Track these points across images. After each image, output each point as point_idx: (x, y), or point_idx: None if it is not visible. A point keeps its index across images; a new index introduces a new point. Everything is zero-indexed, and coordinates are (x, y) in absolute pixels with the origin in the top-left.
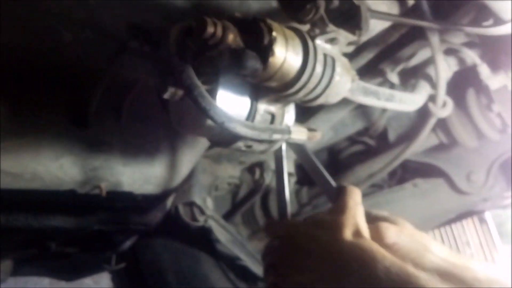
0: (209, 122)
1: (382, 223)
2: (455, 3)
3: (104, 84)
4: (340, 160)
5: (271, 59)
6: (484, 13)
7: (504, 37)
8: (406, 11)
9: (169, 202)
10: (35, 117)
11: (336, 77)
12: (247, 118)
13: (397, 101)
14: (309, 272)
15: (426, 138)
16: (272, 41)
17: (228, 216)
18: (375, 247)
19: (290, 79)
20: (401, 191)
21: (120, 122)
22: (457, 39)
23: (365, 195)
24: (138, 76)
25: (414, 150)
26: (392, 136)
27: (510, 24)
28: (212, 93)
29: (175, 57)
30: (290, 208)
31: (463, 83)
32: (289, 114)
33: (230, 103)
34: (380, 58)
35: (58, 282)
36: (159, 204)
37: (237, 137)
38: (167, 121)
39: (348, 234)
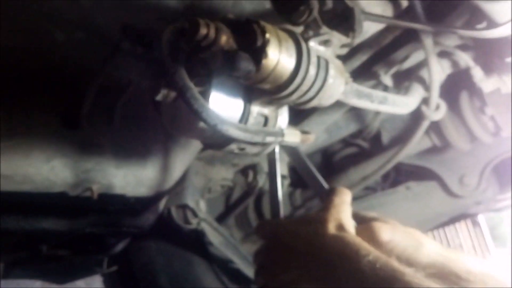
0: (201, 124)
1: (375, 222)
2: (448, 5)
3: (97, 86)
4: (333, 162)
5: (264, 61)
6: (477, 16)
7: (498, 40)
8: (400, 13)
9: (162, 204)
10: (27, 118)
11: (330, 80)
12: (240, 121)
13: (391, 104)
14: (295, 270)
15: (419, 141)
16: (265, 43)
17: (221, 218)
18: (358, 240)
19: (283, 81)
20: (394, 194)
21: (113, 124)
22: (450, 41)
23: (358, 198)
24: (131, 78)
25: (407, 152)
26: (385, 138)
27: (503, 27)
28: (205, 95)
29: (167, 58)
30: (283, 211)
31: (457, 86)
32: (283, 116)
33: (223, 105)
34: (374, 60)
35: (50, 285)
36: (151, 207)
37: (230, 140)
38: (160, 123)
39: (330, 228)
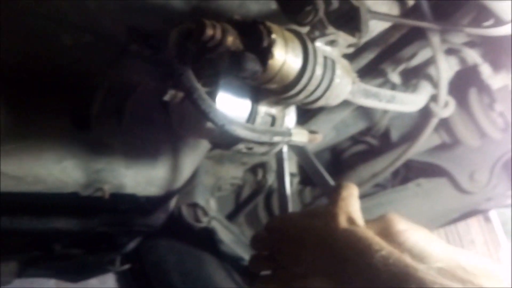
0: (209, 124)
1: (389, 213)
2: (455, 3)
3: (106, 87)
4: (342, 160)
5: (270, 62)
6: (484, 14)
7: (505, 37)
8: (406, 12)
9: (172, 203)
10: (37, 120)
11: (336, 80)
12: (248, 121)
13: (399, 102)
14: (306, 263)
15: (428, 138)
16: (271, 44)
17: (231, 216)
18: (370, 235)
19: (290, 82)
20: (404, 191)
21: (122, 124)
22: (458, 38)
23: (368, 195)
24: (139, 79)
25: (417, 150)
26: (394, 136)
27: (510, 24)
28: (212, 95)
29: (174, 60)
30: (292, 209)
31: (465, 82)
32: (290, 116)
33: (230, 105)
34: (381, 58)
35: (64, 283)
36: (162, 206)
37: (237, 139)
38: (169, 123)
39: (341, 221)
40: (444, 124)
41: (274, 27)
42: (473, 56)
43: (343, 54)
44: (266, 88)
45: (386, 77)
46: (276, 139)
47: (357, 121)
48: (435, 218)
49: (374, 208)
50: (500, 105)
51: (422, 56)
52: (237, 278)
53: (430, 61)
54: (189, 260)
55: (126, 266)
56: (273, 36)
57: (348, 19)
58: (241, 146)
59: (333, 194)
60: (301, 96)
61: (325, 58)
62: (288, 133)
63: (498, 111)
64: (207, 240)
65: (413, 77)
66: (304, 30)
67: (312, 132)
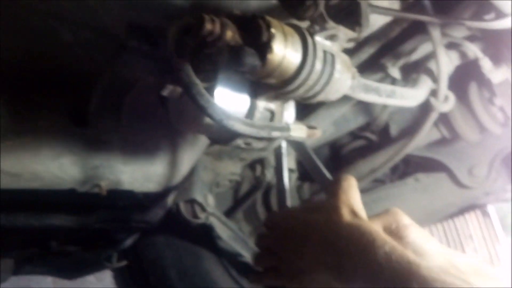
0: (207, 119)
1: (392, 208)
2: None
3: (104, 83)
4: (342, 155)
5: (269, 56)
6: (485, 7)
7: (506, 31)
8: (407, 6)
9: (170, 199)
10: (35, 116)
11: (336, 74)
12: (246, 116)
13: (399, 97)
14: (309, 258)
15: (428, 133)
16: (270, 38)
17: (229, 212)
18: (373, 229)
19: (289, 76)
20: (403, 186)
21: (120, 120)
22: (458, 32)
23: (367, 190)
24: (137, 75)
25: (416, 144)
26: (394, 130)
27: (510, 18)
28: (211, 90)
29: (173, 55)
30: (291, 204)
31: (465, 77)
32: (289, 111)
33: (229, 100)
34: (382, 52)
35: (61, 281)
36: (160, 202)
37: (236, 135)
38: (167, 119)
39: (344, 214)
40: (444, 118)
41: (273, 21)
42: (473, 50)
43: (343, 48)
44: (265, 83)
45: (386, 71)
46: (275, 134)
47: (356, 116)
48: (434, 213)
49: (372, 203)
50: (500, 99)
51: (422, 50)
52: (235, 274)
53: (431, 56)
54: (186, 256)
55: (124, 263)
56: (273, 30)
57: (349, 13)
58: (240, 141)
59: (333, 187)
60: (301, 91)
61: (325, 52)
62: (287, 128)
63: (498, 106)
64: (205, 236)
65: (413, 71)
66: (304, 24)
67: (311, 127)
